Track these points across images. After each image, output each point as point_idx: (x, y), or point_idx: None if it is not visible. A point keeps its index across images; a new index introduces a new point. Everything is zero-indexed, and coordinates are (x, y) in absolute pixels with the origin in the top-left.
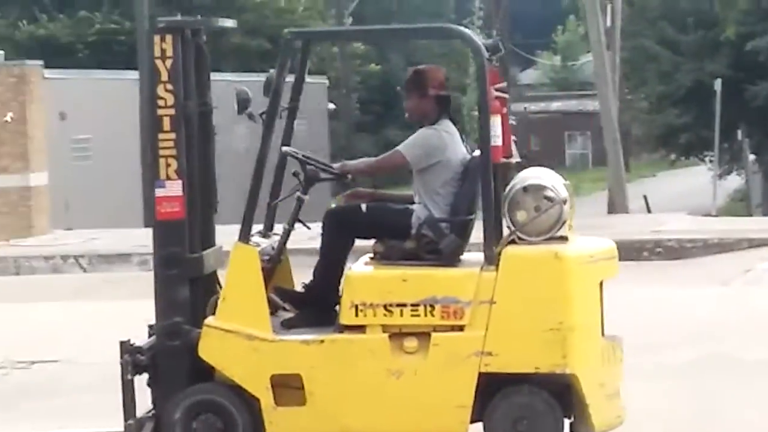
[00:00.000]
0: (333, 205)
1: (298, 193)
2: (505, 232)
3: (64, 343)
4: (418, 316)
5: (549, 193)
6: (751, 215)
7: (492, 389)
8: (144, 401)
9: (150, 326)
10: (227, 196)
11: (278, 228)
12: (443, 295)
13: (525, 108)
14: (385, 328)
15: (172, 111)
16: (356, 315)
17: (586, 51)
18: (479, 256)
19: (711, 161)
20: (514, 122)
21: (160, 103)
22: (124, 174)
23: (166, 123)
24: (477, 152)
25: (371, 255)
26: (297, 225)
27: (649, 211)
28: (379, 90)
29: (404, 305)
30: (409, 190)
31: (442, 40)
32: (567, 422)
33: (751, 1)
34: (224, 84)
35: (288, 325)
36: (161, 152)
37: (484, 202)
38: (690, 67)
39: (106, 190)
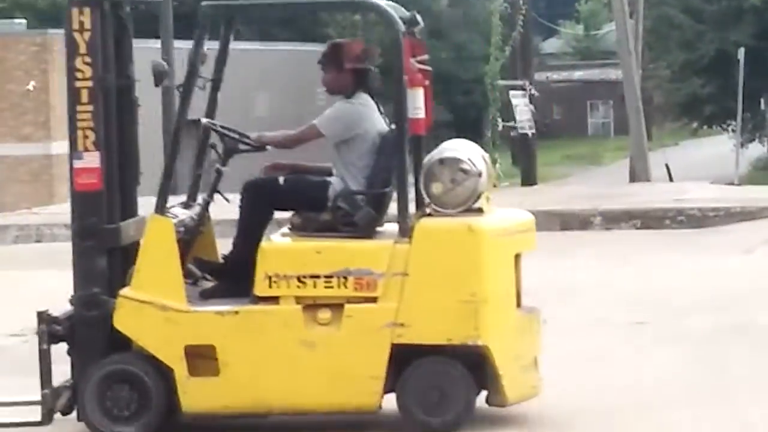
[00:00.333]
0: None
1: (217, 165)
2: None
3: None
4: (332, 287)
5: (465, 166)
6: None
7: (405, 361)
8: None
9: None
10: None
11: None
12: (356, 267)
13: (547, 77)
14: (298, 299)
15: (89, 83)
16: (270, 286)
17: (609, 20)
18: (396, 229)
19: (733, 131)
20: (535, 92)
21: (78, 75)
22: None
23: (84, 95)
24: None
25: (289, 227)
26: (216, 196)
27: (671, 179)
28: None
29: (318, 277)
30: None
31: (355, 12)
32: (484, 394)
33: None
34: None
35: (205, 296)
36: (79, 124)
37: (398, 175)
38: (713, 36)
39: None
